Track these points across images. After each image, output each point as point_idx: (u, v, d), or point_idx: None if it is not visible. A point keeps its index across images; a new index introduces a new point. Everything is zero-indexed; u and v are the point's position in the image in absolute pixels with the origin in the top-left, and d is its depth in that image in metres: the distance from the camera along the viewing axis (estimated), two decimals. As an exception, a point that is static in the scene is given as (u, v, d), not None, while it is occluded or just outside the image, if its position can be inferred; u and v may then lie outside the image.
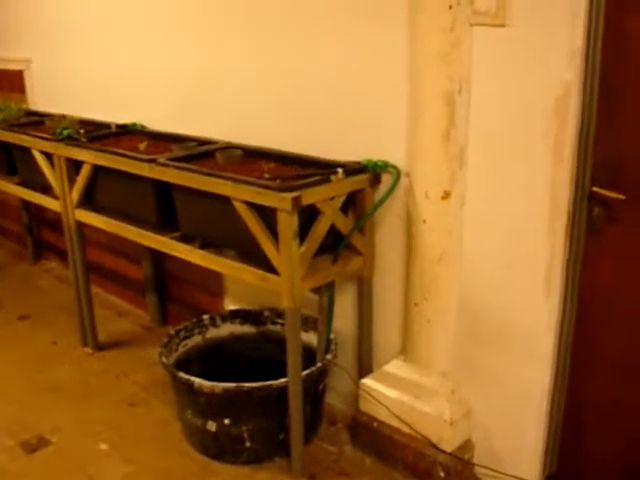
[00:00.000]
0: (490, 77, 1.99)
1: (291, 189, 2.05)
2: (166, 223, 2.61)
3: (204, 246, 2.46)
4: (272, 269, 2.15)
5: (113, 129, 3.12)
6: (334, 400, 2.71)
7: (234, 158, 2.49)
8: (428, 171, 2.14)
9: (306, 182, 2.10)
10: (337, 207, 2.21)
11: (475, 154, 2.08)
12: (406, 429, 2.33)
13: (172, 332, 2.63)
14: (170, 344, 2.58)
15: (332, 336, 2.52)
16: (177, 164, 2.39)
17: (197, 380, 2.27)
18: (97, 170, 2.76)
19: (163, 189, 2.50)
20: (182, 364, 2.61)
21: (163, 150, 2.70)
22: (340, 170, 2.17)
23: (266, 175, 2.13)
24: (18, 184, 3.39)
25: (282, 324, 2.76)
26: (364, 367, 2.54)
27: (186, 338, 2.69)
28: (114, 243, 3.53)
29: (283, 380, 2.26)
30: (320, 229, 2.16)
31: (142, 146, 2.76)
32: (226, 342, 2.81)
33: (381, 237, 2.38)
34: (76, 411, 2.76)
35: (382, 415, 2.40)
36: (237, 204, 2.16)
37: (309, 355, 2.58)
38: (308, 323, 2.66)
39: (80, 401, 2.83)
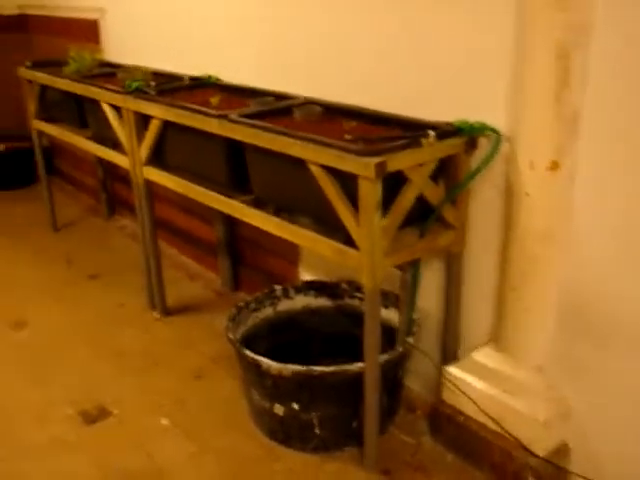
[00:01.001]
0: (616, 25, 1.66)
1: (375, 153, 1.79)
2: (238, 185, 2.40)
3: (278, 211, 2.24)
4: (351, 242, 1.91)
5: (186, 82, 2.92)
6: (413, 384, 2.47)
7: (313, 115, 2.24)
8: (534, 137, 1.84)
9: (392, 145, 1.83)
10: (427, 175, 1.94)
11: (592, 120, 1.75)
12: (494, 426, 2.07)
13: (241, 304, 2.44)
14: (238, 317, 2.39)
15: (414, 316, 2.26)
16: (249, 121, 2.16)
17: (265, 361, 2.07)
18: (166, 126, 2.57)
19: (235, 148, 2.28)
20: (251, 339, 2.42)
21: (237, 105, 2.48)
22: (432, 132, 1.89)
23: (347, 136, 1.87)
24: (89, 138, 3.25)
25: (360, 298, 2.53)
26: (448, 352, 2.28)
27: (256, 310, 2.49)
28: (186, 202, 3.34)
29: (359, 365, 2.04)
30: (406, 199, 1.90)
31: (215, 100, 2.55)
32: (299, 315, 2.60)
33: (475, 209, 2.10)
34: (140, 381, 2.62)
35: (468, 408, 2.15)
36: (313, 168, 1.92)
37: (388, 334, 2.35)
38: (388, 299, 2.43)
39: (144, 371, 2.68)
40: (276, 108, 2.34)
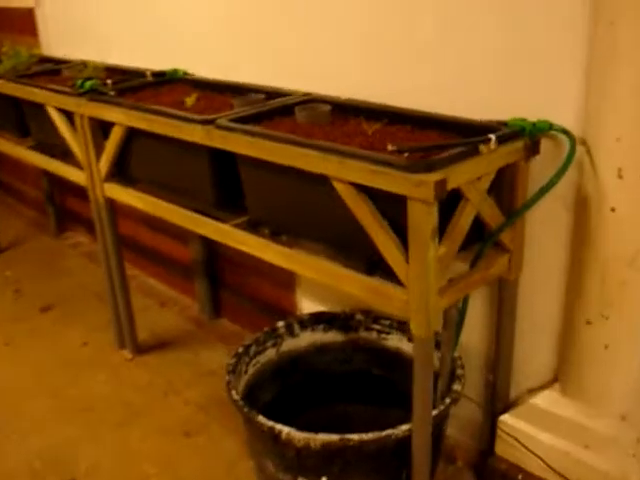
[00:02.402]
0: None
1: (429, 168, 1.37)
2: (227, 204, 1.95)
3: (276, 234, 1.81)
4: (384, 271, 1.50)
5: (149, 78, 2.44)
6: (450, 428, 2.07)
7: (321, 116, 1.81)
8: (624, 139, 1.45)
9: (449, 156, 1.41)
10: (485, 190, 1.53)
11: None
12: (568, 488, 1.70)
13: (240, 349, 2.00)
14: (238, 366, 1.95)
15: (455, 354, 1.87)
16: (245, 127, 1.72)
17: (285, 430, 1.64)
18: (132, 133, 2.10)
19: (223, 157, 1.83)
20: (253, 389, 1.99)
21: (219, 105, 2.04)
22: (493, 136, 1.47)
23: (390, 146, 1.44)
24: (32, 148, 2.74)
25: (379, 331, 2.13)
26: (498, 396, 1.89)
27: (257, 354, 2.06)
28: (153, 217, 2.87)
29: (405, 428, 1.63)
30: (463, 222, 1.49)
31: (190, 100, 2.09)
32: (306, 354, 2.17)
33: (533, 228, 1.71)
34: (117, 442, 2.16)
35: (530, 464, 1.77)
36: (340, 187, 1.49)
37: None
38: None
39: (122, 428, 2.23)
40: (273, 108, 1.89)
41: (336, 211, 1.55)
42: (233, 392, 1.79)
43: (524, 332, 1.83)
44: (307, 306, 2.41)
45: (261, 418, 1.68)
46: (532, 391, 1.86)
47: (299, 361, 2.16)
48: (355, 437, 1.61)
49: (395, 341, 2.11)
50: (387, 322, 2.11)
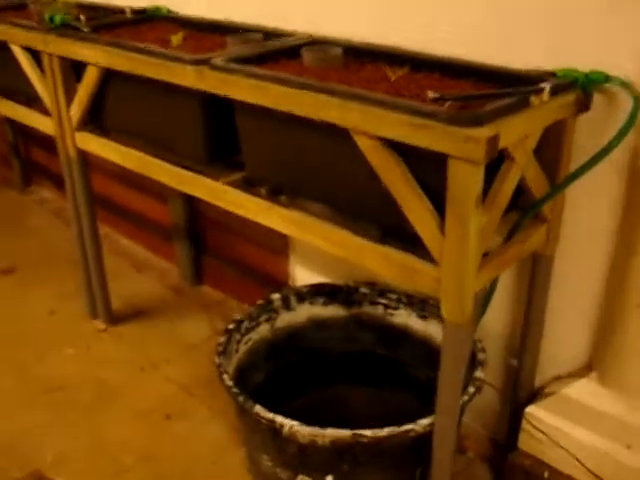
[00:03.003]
0: None
1: (477, 120, 1.12)
2: (220, 159, 1.70)
3: (274, 193, 1.57)
4: (408, 241, 1.28)
5: (128, 15, 2.15)
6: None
7: (333, 59, 1.56)
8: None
9: (495, 108, 1.17)
10: (531, 150, 1.30)
11: None
12: (604, 490, 1.50)
13: (231, 326, 1.76)
14: (229, 345, 1.71)
15: (475, 337, 1.65)
16: (248, 69, 1.45)
17: (288, 424, 1.41)
18: (109, 75, 1.82)
19: (217, 105, 1.57)
20: (244, 369, 1.77)
21: (211, 45, 1.77)
22: (546, 86, 1.24)
23: (430, 93, 1.19)
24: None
25: (386, 306, 1.90)
26: (522, 383, 1.69)
27: (250, 331, 1.82)
28: (130, 172, 2.58)
29: (425, 423, 1.41)
30: (507, 187, 1.26)
31: (176, 39, 1.82)
32: (304, 331, 1.95)
33: (575, 195, 1.48)
34: (88, 428, 1.92)
35: (560, 463, 1.57)
36: (365, 143, 1.25)
37: (428, 354, 1.76)
38: (427, 307, 1.82)
39: (93, 411, 1.99)
40: (276, 49, 1.63)
41: (349, 170, 1.33)
42: (225, 377, 1.56)
43: (555, 313, 1.61)
44: (302, 275, 2.18)
45: (259, 409, 1.45)
46: (560, 379, 1.66)
47: (295, 338, 1.94)
48: (369, 433, 1.39)
49: (403, 317, 1.89)
50: (394, 296, 1.89)
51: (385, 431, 1.40)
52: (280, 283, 2.26)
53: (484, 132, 1.10)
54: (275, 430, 1.44)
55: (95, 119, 1.99)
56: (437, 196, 1.20)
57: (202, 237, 2.53)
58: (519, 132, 1.20)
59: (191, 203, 2.47)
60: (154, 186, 2.53)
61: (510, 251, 1.38)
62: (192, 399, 2.01)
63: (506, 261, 1.38)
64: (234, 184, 1.64)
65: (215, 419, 1.92)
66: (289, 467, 1.52)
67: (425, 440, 1.44)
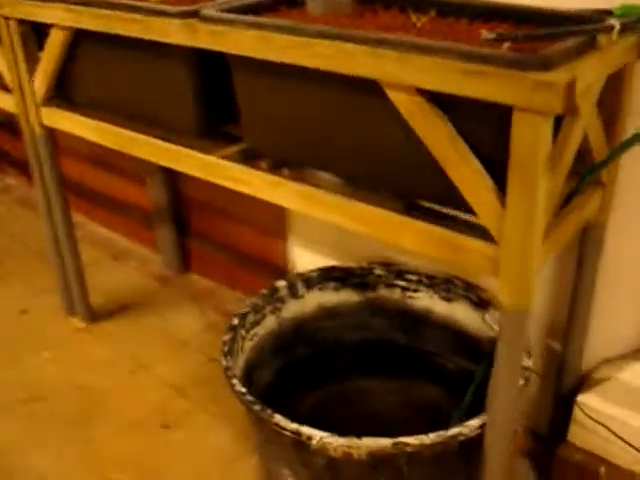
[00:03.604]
0: None
1: (546, 63, 0.91)
2: (213, 131, 1.48)
3: (277, 167, 1.35)
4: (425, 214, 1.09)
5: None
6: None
7: (341, 5, 1.33)
8: None
9: (567, 47, 0.96)
10: (595, 101, 1.09)
11: None
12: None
13: (235, 321, 1.54)
14: (234, 344, 1.49)
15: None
16: (247, 18, 1.22)
17: (318, 435, 1.20)
18: (78, 38, 1.57)
19: (207, 66, 1.35)
20: (251, 369, 1.55)
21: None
22: (616, 23, 1.03)
23: (485, 33, 0.98)
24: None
25: (404, 288, 1.70)
26: (567, 369, 1.50)
27: (255, 325, 1.61)
28: (103, 152, 2.32)
29: (475, 425, 1.22)
30: (572, 145, 1.06)
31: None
32: (314, 320, 1.74)
33: (629, 155, 1.28)
34: (74, 444, 1.70)
35: (619, 457, 1.39)
36: (401, 98, 1.03)
37: (455, 341, 1.57)
38: (452, 288, 1.62)
39: (79, 424, 1.76)
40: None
41: (374, 132, 1.12)
42: (235, 382, 1.34)
43: (605, 290, 1.42)
44: (302, 259, 1.97)
45: (280, 419, 1.24)
46: (610, 362, 1.48)
47: (305, 329, 1.73)
48: (414, 441, 1.19)
49: (424, 300, 1.69)
50: (414, 277, 1.69)
51: (431, 437, 1.20)
52: (278, 268, 2.05)
53: (560, 77, 0.89)
54: (300, 442, 1.23)
55: (63, 92, 1.74)
56: (488, 162, 1.00)
57: (187, 220, 2.30)
58: (591, 78, 0.99)
59: (173, 183, 2.23)
60: (130, 167, 2.30)
61: (570, 220, 1.18)
62: (190, 403, 1.79)
63: (566, 233, 1.18)
64: (232, 158, 1.41)
65: (218, 425, 1.71)
66: (316, 482, 1.32)
67: (473, 443, 1.24)
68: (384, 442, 1.18)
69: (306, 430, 1.21)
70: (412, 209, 1.19)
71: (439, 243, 1.11)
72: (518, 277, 1.03)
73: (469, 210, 1.07)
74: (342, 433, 1.20)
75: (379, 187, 1.23)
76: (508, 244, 1.01)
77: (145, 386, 1.85)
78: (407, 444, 1.18)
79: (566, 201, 1.19)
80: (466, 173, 1.01)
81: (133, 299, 2.23)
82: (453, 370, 1.68)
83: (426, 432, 1.54)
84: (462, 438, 1.21)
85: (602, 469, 1.41)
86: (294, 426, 1.22)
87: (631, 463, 1.38)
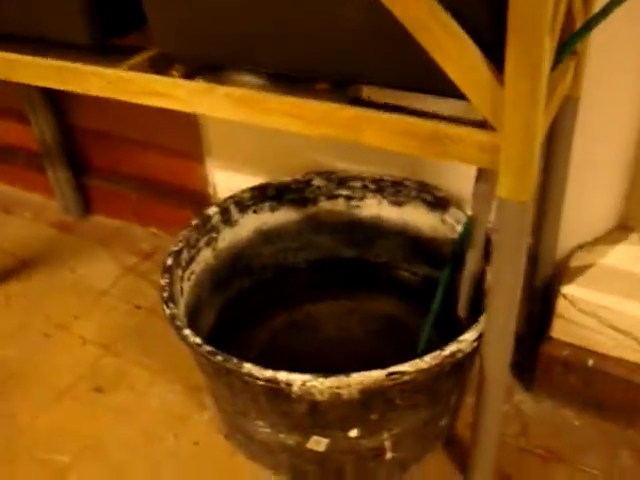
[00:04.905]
0: None
1: None
2: (112, 37, 1.21)
3: (195, 73, 1.12)
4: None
5: None
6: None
7: None
8: None
9: None
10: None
11: None
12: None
13: (169, 262, 1.32)
14: (173, 285, 1.28)
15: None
16: None
17: (299, 379, 1.03)
18: None
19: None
20: (192, 313, 1.36)
21: None
22: None
23: None
24: None
25: (348, 197, 1.53)
26: (541, 262, 1.39)
27: (191, 262, 1.39)
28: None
29: (471, 339, 1.08)
30: (562, 7, 0.89)
31: None
32: (252, 247, 1.54)
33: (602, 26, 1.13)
34: (-2, 425, 1.46)
35: (607, 345, 1.31)
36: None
37: (412, 247, 1.44)
38: (403, 190, 1.47)
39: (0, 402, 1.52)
40: None
41: (319, 10, 0.90)
42: (188, 333, 1.14)
43: (577, 169, 1.30)
44: (225, 182, 1.75)
45: (251, 367, 1.06)
46: (583, 248, 1.37)
47: (243, 259, 1.53)
48: (409, 368, 1.04)
49: (372, 208, 1.53)
50: (358, 184, 1.51)
51: (427, 360, 1.04)
52: (196, 196, 1.83)
53: None
54: (277, 390, 1.06)
55: None
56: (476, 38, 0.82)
57: (82, 156, 2.02)
58: None
59: (61, 115, 1.93)
60: (5, 103, 1.97)
61: (557, 93, 1.02)
62: (121, 360, 1.57)
63: (553, 107, 1.02)
64: (141, 68, 1.16)
65: (158, 380, 1.51)
66: (297, 430, 1.16)
67: (464, 360, 1.11)
68: (377, 375, 1.02)
69: (283, 376, 1.03)
70: (359, 104, 0.99)
71: (430, 136, 0.92)
72: (522, 165, 0.87)
73: (447, 94, 0.89)
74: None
75: (317, 78, 1.02)
76: (511, 127, 0.84)
77: (66, 348, 1.62)
78: (403, 372, 1.03)
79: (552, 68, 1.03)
80: (452, 44, 0.82)
81: (35, 254, 1.95)
82: (411, 280, 1.54)
83: (396, 350, 1.41)
84: (460, 355, 1.07)
85: (590, 361, 1.34)
86: (269, 373, 1.04)
87: (621, 349, 1.29)
